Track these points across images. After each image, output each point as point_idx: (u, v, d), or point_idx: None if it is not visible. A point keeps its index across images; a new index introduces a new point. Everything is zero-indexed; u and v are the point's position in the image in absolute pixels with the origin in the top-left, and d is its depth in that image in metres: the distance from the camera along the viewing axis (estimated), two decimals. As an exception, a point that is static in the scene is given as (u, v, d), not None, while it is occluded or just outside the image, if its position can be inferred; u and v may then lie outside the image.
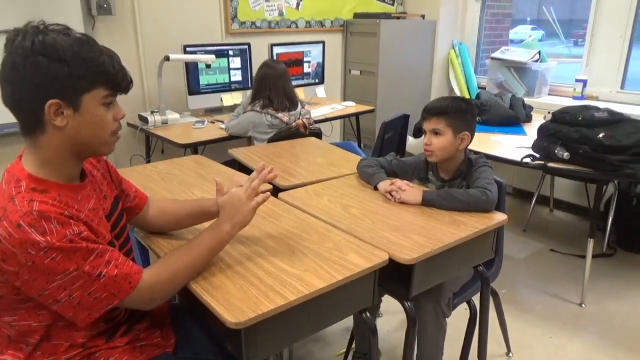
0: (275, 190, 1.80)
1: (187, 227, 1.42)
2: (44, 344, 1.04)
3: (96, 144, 1.04)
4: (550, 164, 2.30)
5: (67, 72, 0.94)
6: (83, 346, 1.08)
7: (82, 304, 0.97)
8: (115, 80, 1.02)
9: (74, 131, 0.99)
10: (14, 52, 0.94)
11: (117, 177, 1.27)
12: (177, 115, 3.08)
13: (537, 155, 2.37)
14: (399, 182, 1.67)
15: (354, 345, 2.03)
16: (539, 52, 3.70)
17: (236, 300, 1.07)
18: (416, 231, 1.43)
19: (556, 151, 2.28)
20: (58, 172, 1.01)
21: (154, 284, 1.07)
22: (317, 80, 3.87)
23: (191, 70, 3.17)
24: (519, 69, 3.72)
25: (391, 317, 2.33)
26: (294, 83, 3.06)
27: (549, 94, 3.78)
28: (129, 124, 3.15)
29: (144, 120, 2.98)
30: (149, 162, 3.15)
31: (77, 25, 2.75)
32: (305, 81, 3.79)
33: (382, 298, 1.94)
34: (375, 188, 1.74)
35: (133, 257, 1.26)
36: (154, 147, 3.26)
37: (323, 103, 3.70)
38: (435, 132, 1.67)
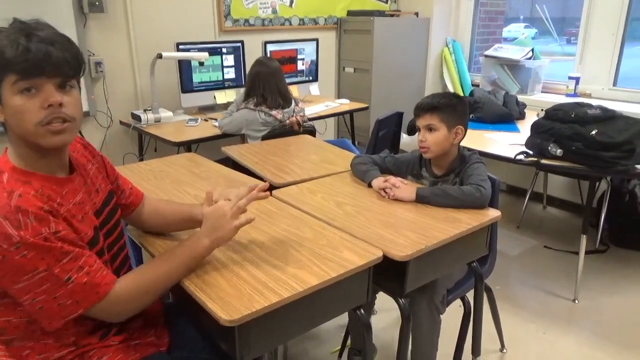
0: (269, 188, 1.79)
1: (178, 230, 1.40)
2: (30, 342, 1.02)
3: (28, 136, 0.95)
4: (544, 161, 2.31)
5: None
6: (75, 344, 1.06)
7: (45, 309, 0.94)
8: (21, 63, 0.90)
9: (10, 124, 0.96)
10: None
11: (113, 173, 1.26)
12: (170, 114, 3.07)
13: (531, 152, 2.38)
14: (392, 179, 1.68)
15: (349, 342, 2.03)
16: (532, 50, 3.72)
17: (230, 298, 1.07)
18: (410, 228, 1.43)
19: (549, 148, 2.28)
20: (40, 163, 0.99)
21: (123, 297, 1.03)
22: (310, 78, 3.87)
23: (184, 68, 3.16)
24: (513, 66, 3.73)
25: (386, 314, 2.34)
26: (288, 81, 3.05)
27: (542, 92, 3.80)
28: (121, 122, 3.14)
29: (137, 118, 2.96)
30: (142, 160, 3.13)
31: (69, 23, 2.73)
32: (299, 79, 3.78)
33: (376, 295, 1.94)
34: (369, 185, 1.74)
35: (127, 254, 1.25)
36: (147, 145, 3.24)
37: (317, 101, 3.70)
38: (430, 128, 1.68)
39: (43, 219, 0.91)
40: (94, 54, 2.94)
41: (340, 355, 2.07)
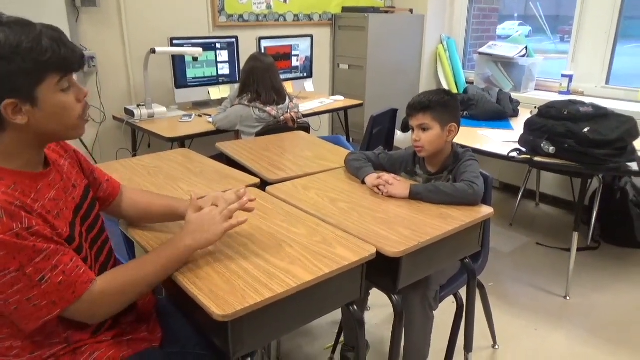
0: (263, 184, 1.79)
1: (159, 222, 1.39)
2: (18, 341, 1.00)
3: (64, 131, 1.00)
4: (536, 158, 2.32)
5: (10, 69, 0.89)
6: (67, 341, 1.05)
7: (20, 310, 0.91)
8: (65, 63, 0.95)
9: (38, 124, 0.95)
10: None
11: (88, 167, 1.23)
12: (164, 109, 3.06)
13: (524, 150, 2.39)
14: (386, 176, 1.68)
15: (342, 339, 2.04)
16: (526, 48, 3.73)
17: (223, 293, 1.07)
18: (403, 224, 1.44)
19: (542, 145, 2.30)
20: (17, 160, 0.97)
21: (100, 296, 1.00)
22: (305, 74, 3.86)
23: (178, 63, 3.14)
24: (506, 64, 3.75)
25: (379, 311, 2.34)
26: (282, 77, 3.05)
27: (535, 89, 3.81)
28: (115, 118, 3.12)
29: (130, 113, 2.95)
30: (135, 156, 3.12)
31: (61, 17, 2.70)
32: (293, 75, 3.77)
33: (370, 292, 1.95)
34: (363, 182, 1.74)
35: (110, 247, 1.24)
36: (141, 141, 3.23)
37: (311, 97, 3.69)
38: (423, 128, 1.68)
39: (14, 214, 0.88)
40: (86, 49, 2.92)
41: (333, 351, 2.07)
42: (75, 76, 1.01)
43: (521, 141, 2.44)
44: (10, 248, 0.87)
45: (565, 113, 2.32)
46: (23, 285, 0.89)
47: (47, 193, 1.01)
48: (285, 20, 3.86)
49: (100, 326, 1.12)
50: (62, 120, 0.98)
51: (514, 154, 2.38)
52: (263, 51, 3.47)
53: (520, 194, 3.50)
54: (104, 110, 3.11)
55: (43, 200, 0.98)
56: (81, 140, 3.06)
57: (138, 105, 3.00)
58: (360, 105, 3.73)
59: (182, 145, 2.71)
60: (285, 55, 3.67)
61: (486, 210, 1.55)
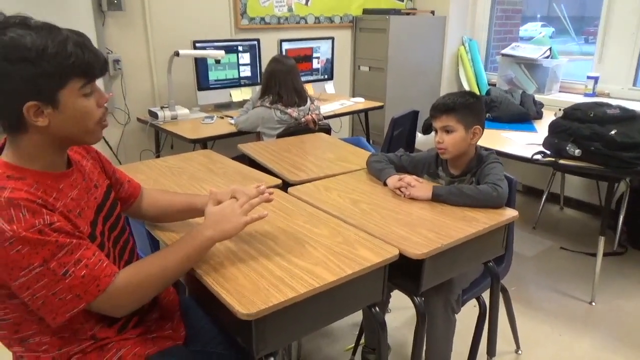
0: (285, 185, 1.80)
1: (179, 220, 1.42)
2: (47, 337, 1.02)
3: (81, 135, 1.01)
4: (561, 161, 2.28)
5: (35, 72, 0.90)
6: (93, 337, 1.07)
7: (47, 305, 0.93)
8: (89, 68, 0.96)
9: (58, 127, 0.96)
10: None
11: (109, 167, 1.25)
12: (186, 111, 3.10)
13: (548, 152, 2.35)
14: (407, 178, 1.67)
15: (362, 340, 2.03)
16: (550, 49, 3.67)
17: (247, 292, 1.08)
18: (426, 226, 1.43)
19: (567, 148, 2.26)
20: (40, 161, 0.99)
21: (124, 289, 1.01)
22: (326, 76, 3.87)
23: (200, 66, 3.18)
24: (530, 65, 3.70)
25: (400, 313, 2.33)
26: (303, 79, 3.06)
27: (559, 91, 3.75)
28: (139, 120, 3.17)
29: (154, 115, 3.00)
30: (158, 157, 3.17)
31: (88, 21, 2.76)
32: (314, 77, 3.78)
33: (391, 294, 1.94)
34: (385, 184, 1.74)
35: (132, 246, 1.26)
36: (164, 142, 3.27)
37: (332, 99, 3.70)
38: (447, 130, 1.66)
39: (36, 211, 0.90)
40: (112, 52, 2.98)
41: (353, 353, 2.07)
42: (100, 81, 1.03)
43: (545, 144, 2.40)
44: (34, 244, 0.89)
45: (592, 115, 2.28)
46: (48, 280, 0.91)
47: (69, 192, 1.03)
48: (306, 22, 3.87)
49: (125, 324, 1.14)
50: (81, 125, 0.99)
51: (538, 157, 2.34)
52: (284, 53, 3.49)
53: (544, 197, 3.44)
54: (128, 112, 3.16)
55: (65, 199, 1.00)
56: (106, 142, 3.12)
57: (161, 107, 3.04)
58: (381, 107, 3.72)
59: (205, 147, 2.74)
60: (306, 58, 3.69)
61: (510, 213, 1.53)
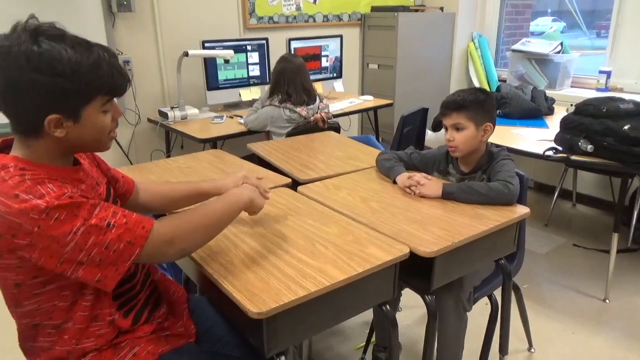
0: (294, 184, 1.80)
1: (184, 206, 1.43)
2: (70, 325, 1.03)
3: (93, 146, 1.05)
4: (574, 157, 2.26)
5: (67, 87, 0.92)
6: (112, 324, 1.08)
7: (104, 260, 0.95)
8: (115, 88, 1.00)
9: (73, 138, 0.98)
10: (8, 66, 0.89)
11: (104, 166, 1.27)
12: (196, 111, 3.11)
13: (560, 148, 2.33)
14: (417, 176, 1.66)
15: (373, 339, 2.03)
16: (561, 44, 3.63)
17: (258, 291, 1.08)
18: (436, 224, 1.42)
19: (579, 144, 2.23)
20: (49, 162, 1.00)
21: (169, 226, 1.04)
22: (335, 75, 3.87)
23: (210, 65, 3.20)
24: (541, 61, 3.66)
25: (410, 312, 2.32)
26: (312, 77, 3.06)
27: (571, 86, 3.71)
28: (149, 120, 3.20)
29: (164, 115, 3.01)
30: (169, 157, 3.18)
31: (98, 22, 2.78)
32: (323, 75, 3.78)
33: (401, 292, 1.93)
34: (394, 182, 1.73)
35: None
36: (174, 142, 3.29)
37: (341, 97, 3.69)
38: (457, 128, 1.65)
39: (61, 185, 0.93)
40: (122, 53, 3.00)
41: (364, 352, 2.07)
42: None
43: (557, 139, 2.38)
44: (70, 208, 0.91)
45: (604, 110, 2.25)
46: (95, 236, 0.93)
47: (79, 186, 1.05)
48: (314, 21, 3.87)
49: (138, 316, 1.15)
50: (95, 137, 1.02)
51: (550, 153, 2.32)
52: (293, 52, 3.49)
53: (556, 193, 3.41)
54: (139, 113, 3.19)
55: (77, 189, 1.01)
56: (117, 142, 3.15)
57: (171, 107, 3.06)
58: (390, 105, 3.70)
59: (214, 146, 2.76)
60: (314, 56, 3.68)
61: (522, 210, 1.52)
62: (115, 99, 1.04)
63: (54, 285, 0.99)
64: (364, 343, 2.08)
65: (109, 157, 3.12)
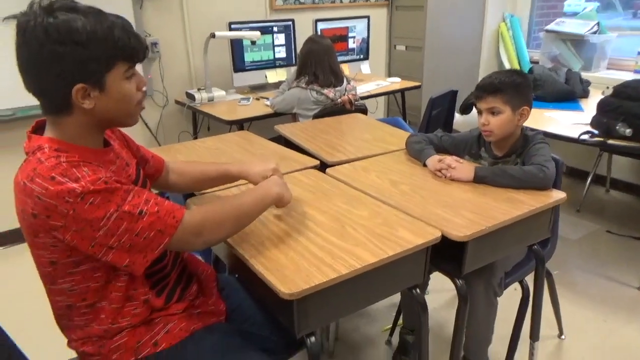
0: (322, 166, 1.79)
1: (211, 187, 1.47)
2: (105, 305, 1.05)
3: (122, 117, 1.05)
4: (611, 141, 2.18)
5: (86, 55, 0.93)
6: (146, 302, 1.10)
7: (134, 246, 0.97)
8: (133, 52, 1.00)
9: (102, 109, 0.99)
10: (29, 41, 0.91)
11: (133, 145, 1.28)
12: (223, 92, 3.12)
13: (596, 132, 2.25)
14: (448, 159, 1.62)
15: (400, 321, 2.03)
16: (598, 24, 3.49)
17: (289, 272, 1.08)
18: (468, 208, 1.39)
19: (617, 127, 2.15)
20: (81, 141, 1.02)
21: (199, 217, 1.06)
22: (361, 56, 3.81)
23: (236, 47, 3.19)
24: (576, 41, 3.53)
25: (438, 295, 2.30)
26: (339, 59, 3.01)
27: (607, 68, 3.57)
28: (176, 102, 3.22)
29: (191, 97, 3.03)
30: (196, 138, 3.21)
31: (126, 5, 2.79)
32: (349, 57, 3.74)
33: (430, 276, 1.91)
34: (425, 165, 1.70)
35: None
36: (201, 124, 3.31)
37: (367, 79, 3.65)
38: (493, 112, 1.60)
39: (95, 169, 0.95)
40: (149, 35, 3.02)
41: (391, 334, 2.07)
42: (138, 65, 1.05)
43: (593, 123, 2.30)
44: (104, 193, 0.93)
45: (645, 92, 2.16)
46: (127, 223, 0.95)
47: (110, 167, 1.06)
48: (341, 1, 3.81)
49: (171, 294, 1.17)
50: (123, 107, 1.02)
51: (586, 137, 2.25)
52: (319, 33, 3.45)
53: (590, 179, 3.31)
54: (166, 95, 3.21)
55: (108, 171, 1.03)
56: (145, 124, 3.19)
57: (198, 89, 3.07)
58: (418, 87, 3.64)
59: (241, 128, 2.76)
60: (341, 37, 3.64)
61: (557, 195, 1.47)
62: (137, 70, 1.04)
63: (87, 266, 1.01)
64: (391, 325, 2.08)
65: (138, 139, 3.16)
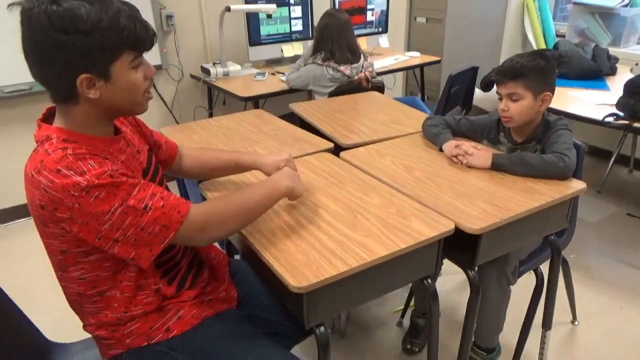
0: (337, 149, 1.77)
1: (224, 176, 1.46)
2: (117, 294, 1.07)
3: (130, 107, 1.03)
4: (637, 124, 2.10)
5: (90, 44, 0.91)
6: (157, 292, 1.11)
7: (139, 240, 0.97)
8: (140, 41, 0.97)
9: (108, 99, 0.98)
10: (33, 29, 0.89)
11: (146, 130, 1.27)
12: (238, 67, 3.08)
13: (622, 114, 2.17)
14: (465, 145, 1.58)
15: (412, 304, 2.03)
16: (630, -5, 3.33)
17: (299, 264, 1.08)
18: (484, 198, 1.36)
19: (644, 110, 2.07)
20: (90, 130, 1.01)
21: (204, 213, 1.04)
22: (380, 29, 3.71)
23: (252, 20, 3.12)
24: (605, 15, 3.37)
25: (450, 277, 2.30)
26: (356, 32, 2.94)
27: (637, 43, 3.42)
28: (192, 76, 3.19)
29: (206, 71, 3.00)
30: (211, 114, 3.20)
31: (141, -24, 2.74)
32: (367, 30, 3.64)
33: (442, 261, 1.90)
34: (441, 149, 1.66)
35: None
36: (216, 98, 3.29)
37: (386, 54, 3.56)
38: (513, 98, 1.54)
39: (102, 161, 0.94)
40: (165, 7, 2.97)
41: (402, 316, 2.08)
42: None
43: (619, 105, 2.21)
44: (109, 187, 0.92)
45: (676, 73, 2.06)
46: (132, 217, 0.95)
47: (119, 156, 1.06)
48: (360, -29, 3.68)
49: (182, 282, 1.19)
50: (130, 97, 1.01)
51: (610, 119, 2.17)
52: (337, 6, 3.36)
53: (612, 159, 3.22)
54: (182, 69, 3.18)
55: (116, 162, 1.03)
56: (161, 97, 3.18)
57: (214, 64, 3.04)
58: (438, 62, 3.55)
59: (256, 104, 2.73)
60: (359, 10, 3.53)
61: (577, 185, 1.43)
62: (146, 57, 1.02)
63: (96, 256, 1.01)
64: (402, 307, 2.09)
65: (154, 114, 3.18)
